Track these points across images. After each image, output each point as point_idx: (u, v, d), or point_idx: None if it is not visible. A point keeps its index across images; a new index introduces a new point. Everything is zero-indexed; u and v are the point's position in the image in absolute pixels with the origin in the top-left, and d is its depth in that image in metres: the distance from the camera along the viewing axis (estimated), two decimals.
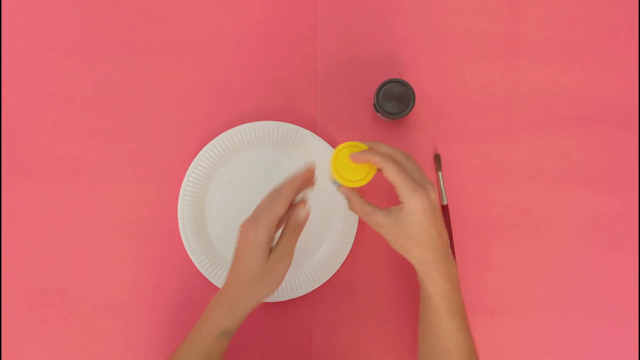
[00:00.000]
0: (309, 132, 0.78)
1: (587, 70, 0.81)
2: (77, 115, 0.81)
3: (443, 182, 0.80)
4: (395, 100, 0.75)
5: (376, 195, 0.79)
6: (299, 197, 0.66)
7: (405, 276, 0.79)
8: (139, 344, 0.79)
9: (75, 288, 0.79)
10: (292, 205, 0.64)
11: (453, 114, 0.81)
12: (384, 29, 0.82)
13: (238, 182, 0.79)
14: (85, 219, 0.80)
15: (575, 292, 0.79)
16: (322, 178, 0.77)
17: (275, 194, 0.63)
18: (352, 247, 0.79)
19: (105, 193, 0.80)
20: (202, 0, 0.82)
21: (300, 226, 0.64)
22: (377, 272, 0.79)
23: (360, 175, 0.66)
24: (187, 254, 0.79)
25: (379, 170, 0.65)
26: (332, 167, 0.66)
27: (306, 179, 0.64)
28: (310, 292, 0.79)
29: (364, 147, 0.66)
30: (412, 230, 0.63)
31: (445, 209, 0.79)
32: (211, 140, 0.79)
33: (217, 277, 0.78)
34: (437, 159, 0.80)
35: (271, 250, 0.63)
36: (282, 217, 0.63)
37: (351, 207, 0.68)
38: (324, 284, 0.79)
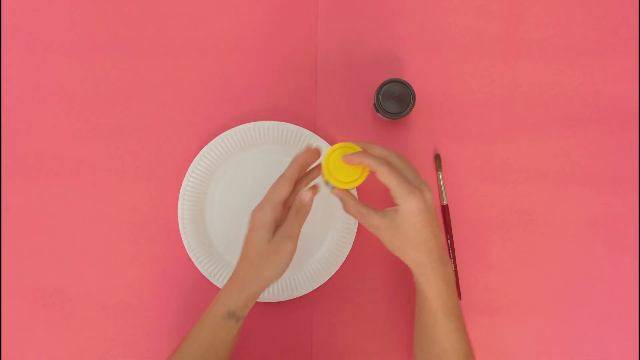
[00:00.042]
0: (309, 132, 0.78)
1: (587, 70, 0.81)
2: (77, 115, 0.81)
3: (443, 182, 0.80)
4: (395, 100, 0.75)
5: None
6: (311, 184, 0.67)
7: (405, 276, 0.79)
8: (139, 344, 0.79)
9: (75, 288, 0.79)
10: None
11: (453, 114, 0.81)
12: (384, 29, 0.82)
13: (238, 182, 0.79)
14: (85, 219, 0.80)
15: (575, 292, 0.79)
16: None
17: (279, 177, 0.65)
18: (352, 247, 0.79)
19: (105, 193, 0.80)
20: (202, 0, 0.82)
21: (303, 209, 0.65)
22: (377, 272, 0.79)
23: (353, 177, 0.65)
24: (187, 254, 0.79)
25: (373, 172, 0.64)
26: (324, 168, 0.65)
27: (308, 158, 0.65)
28: (310, 292, 0.79)
29: (357, 148, 0.65)
30: (408, 232, 0.63)
31: (445, 209, 0.79)
32: (211, 140, 0.79)
33: (217, 277, 0.78)
34: (437, 159, 0.80)
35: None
36: (288, 200, 0.66)
37: (346, 209, 0.67)
38: (324, 284, 0.79)
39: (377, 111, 0.76)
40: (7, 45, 0.81)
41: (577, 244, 0.80)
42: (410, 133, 0.81)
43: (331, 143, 0.80)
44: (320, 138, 0.79)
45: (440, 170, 0.80)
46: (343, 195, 0.66)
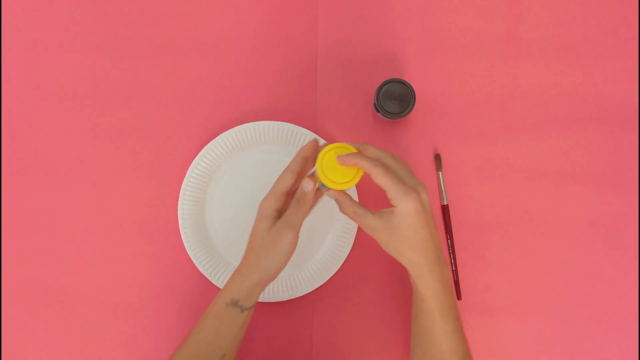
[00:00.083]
0: (309, 132, 0.78)
1: (587, 70, 0.81)
2: (77, 115, 0.81)
3: (443, 182, 0.80)
4: (395, 100, 0.75)
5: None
6: (310, 172, 0.68)
7: (405, 276, 0.79)
8: (139, 344, 0.79)
9: (75, 288, 0.79)
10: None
11: (453, 114, 0.81)
12: (384, 28, 0.82)
13: (238, 182, 0.79)
14: (85, 218, 0.80)
15: (575, 292, 0.79)
16: None
17: (285, 168, 0.66)
18: (352, 247, 0.79)
19: (105, 193, 0.80)
20: (202, 0, 0.82)
21: (305, 198, 0.65)
22: (377, 272, 0.79)
23: (348, 177, 0.64)
24: (187, 254, 0.79)
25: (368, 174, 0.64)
26: (317, 169, 0.64)
27: (313, 150, 0.66)
28: (310, 292, 0.79)
29: (351, 148, 0.65)
30: (405, 233, 0.62)
31: (445, 209, 0.79)
32: (211, 140, 0.79)
33: (217, 276, 0.78)
34: (437, 159, 0.80)
35: None
36: (292, 190, 0.67)
37: (342, 210, 0.66)
38: (324, 284, 0.79)
39: (377, 111, 0.76)
40: (7, 45, 0.81)
41: (577, 243, 0.80)
42: (410, 133, 0.81)
43: (331, 143, 0.80)
44: (320, 138, 0.79)
45: (440, 170, 0.80)
46: (338, 196, 0.66)
